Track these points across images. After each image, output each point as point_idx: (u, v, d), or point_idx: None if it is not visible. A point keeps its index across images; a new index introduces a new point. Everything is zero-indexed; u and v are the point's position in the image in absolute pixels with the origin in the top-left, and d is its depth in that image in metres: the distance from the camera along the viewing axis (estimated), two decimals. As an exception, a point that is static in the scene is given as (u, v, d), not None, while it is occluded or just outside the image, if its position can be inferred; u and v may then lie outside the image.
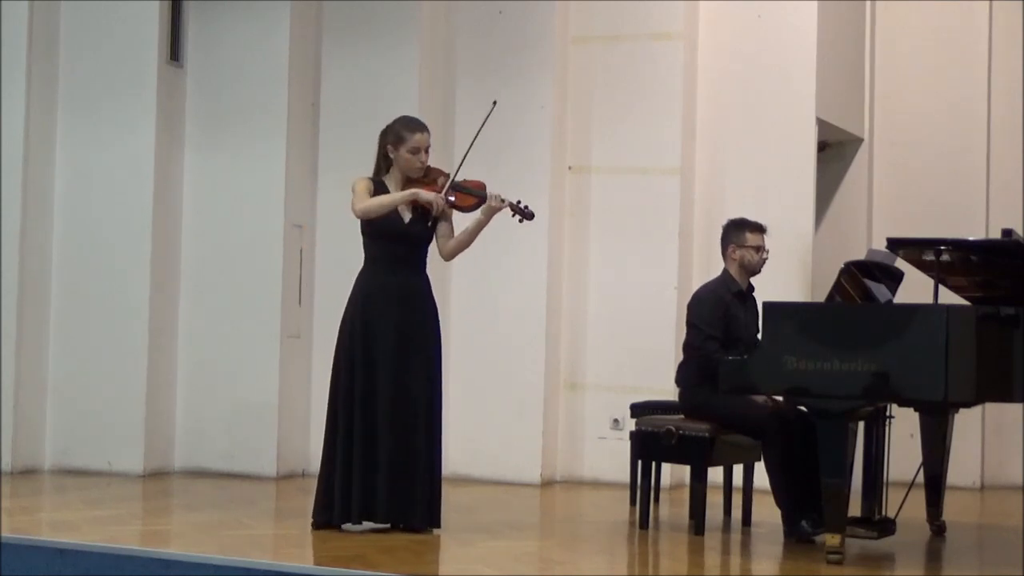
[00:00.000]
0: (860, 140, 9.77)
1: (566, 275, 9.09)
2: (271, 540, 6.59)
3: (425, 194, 6.50)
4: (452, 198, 6.57)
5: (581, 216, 9.12)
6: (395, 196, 6.52)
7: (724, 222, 7.32)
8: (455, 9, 9.20)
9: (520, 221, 6.61)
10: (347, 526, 6.50)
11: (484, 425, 8.88)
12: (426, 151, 6.60)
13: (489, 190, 6.58)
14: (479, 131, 6.58)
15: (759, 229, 7.18)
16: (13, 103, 8.67)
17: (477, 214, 6.59)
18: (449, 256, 6.73)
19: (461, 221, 6.67)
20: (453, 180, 6.58)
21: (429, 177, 6.63)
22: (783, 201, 8.86)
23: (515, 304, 8.90)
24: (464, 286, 8.91)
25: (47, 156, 8.88)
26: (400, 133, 6.59)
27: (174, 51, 8.99)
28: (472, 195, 6.58)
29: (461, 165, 6.64)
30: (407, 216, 6.57)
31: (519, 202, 6.58)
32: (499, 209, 6.53)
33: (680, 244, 8.87)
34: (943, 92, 9.68)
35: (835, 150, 9.81)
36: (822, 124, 9.07)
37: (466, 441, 8.83)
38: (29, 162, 8.73)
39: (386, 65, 8.96)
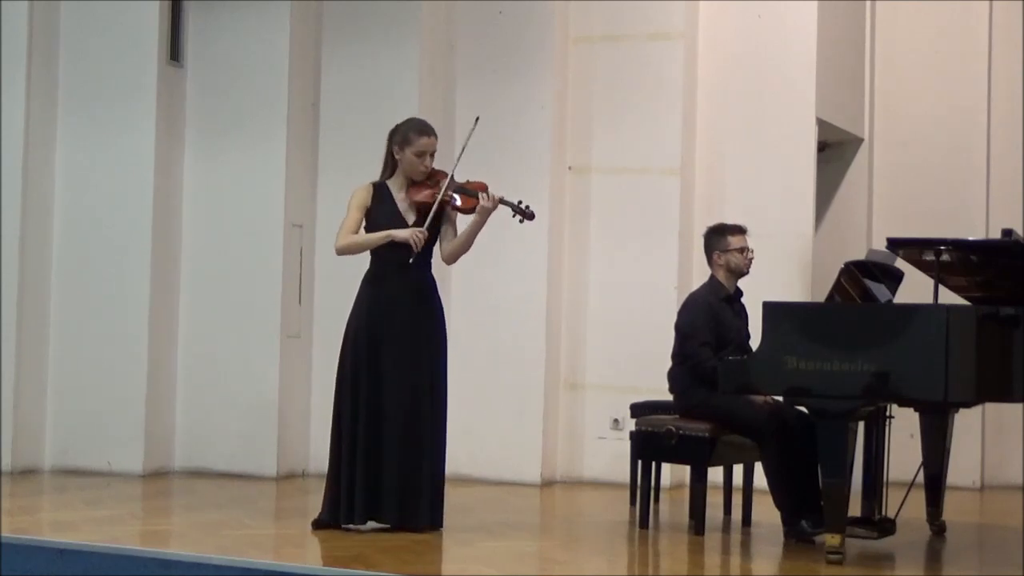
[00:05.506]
0: (860, 140, 9.76)
1: (566, 275, 9.09)
2: (271, 540, 6.60)
3: (400, 233, 6.51)
4: (457, 201, 6.59)
5: (581, 216, 9.12)
6: (371, 237, 6.57)
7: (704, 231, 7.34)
8: (455, 9, 9.20)
9: (521, 221, 6.62)
10: (350, 526, 6.50)
11: (484, 425, 8.87)
12: (431, 155, 6.62)
13: (490, 191, 6.59)
14: (463, 148, 6.62)
15: (740, 231, 7.17)
16: (13, 103, 8.66)
17: (472, 215, 6.60)
18: (449, 259, 6.74)
19: (463, 221, 6.67)
20: (452, 181, 6.59)
21: (432, 179, 6.65)
22: (783, 201, 8.87)
23: (515, 304, 8.90)
24: (464, 286, 8.89)
25: (47, 156, 8.87)
26: (407, 135, 6.61)
27: (174, 51, 8.99)
28: (473, 197, 6.60)
29: (455, 166, 6.66)
30: (411, 219, 6.58)
31: (519, 202, 6.58)
32: (492, 209, 6.54)
33: (680, 244, 8.87)
34: (943, 92, 9.67)
35: (835, 150, 9.80)
36: (822, 124, 9.07)
37: (466, 441, 8.81)
38: (29, 162, 8.72)
39: (386, 65, 8.96)
